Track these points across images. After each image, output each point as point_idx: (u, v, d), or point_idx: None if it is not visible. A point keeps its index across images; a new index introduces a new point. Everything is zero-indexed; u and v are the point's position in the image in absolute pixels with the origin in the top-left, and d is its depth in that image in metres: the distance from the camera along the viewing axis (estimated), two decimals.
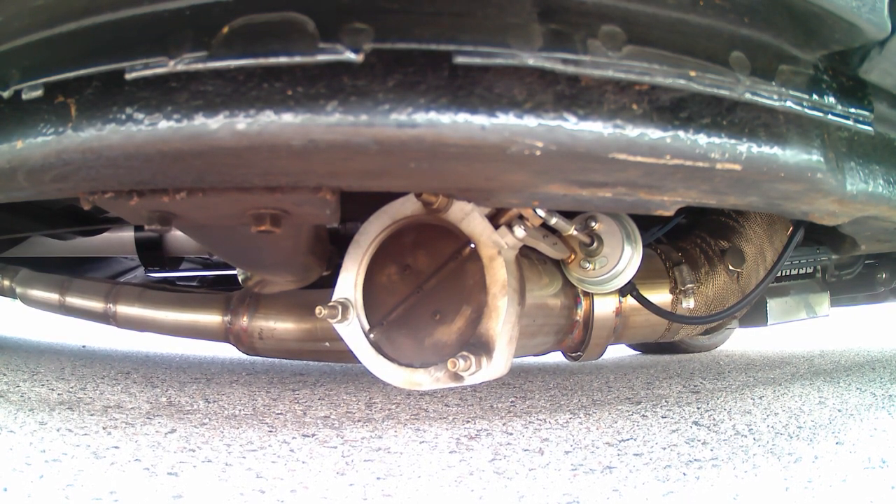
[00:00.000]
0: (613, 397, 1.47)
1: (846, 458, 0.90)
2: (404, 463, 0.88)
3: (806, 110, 0.62)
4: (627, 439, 1.03)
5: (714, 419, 1.18)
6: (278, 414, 1.23)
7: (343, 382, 1.69)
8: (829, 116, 0.65)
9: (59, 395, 1.33)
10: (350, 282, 0.92)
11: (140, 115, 0.51)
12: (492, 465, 0.88)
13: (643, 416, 1.23)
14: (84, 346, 2.65)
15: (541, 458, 0.91)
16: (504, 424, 1.14)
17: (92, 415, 1.13)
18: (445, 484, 0.79)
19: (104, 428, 1.03)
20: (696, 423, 1.15)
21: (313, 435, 1.04)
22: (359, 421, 1.17)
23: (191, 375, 1.78)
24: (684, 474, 0.83)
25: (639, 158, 0.55)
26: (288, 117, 0.49)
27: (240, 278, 1.30)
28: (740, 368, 2.04)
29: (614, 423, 1.16)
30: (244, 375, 1.83)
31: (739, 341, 3.06)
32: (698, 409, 1.29)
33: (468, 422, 1.17)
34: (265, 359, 2.25)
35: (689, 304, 1.22)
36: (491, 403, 1.37)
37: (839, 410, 1.26)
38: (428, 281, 0.88)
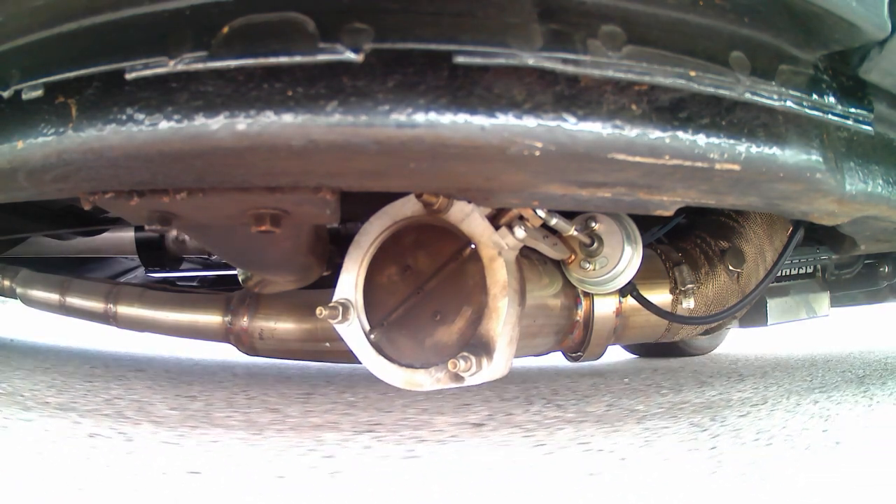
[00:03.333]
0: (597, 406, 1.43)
1: (839, 463, 0.89)
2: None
3: (806, 110, 0.62)
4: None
5: (704, 423, 1.17)
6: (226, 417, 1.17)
7: (324, 386, 1.66)
8: (829, 116, 0.65)
9: (48, 395, 1.31)
10: (350, 282, 0.92)
11: (140, 116, 0.51)
12: None
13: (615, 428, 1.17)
14: (79, 348, 2.65)
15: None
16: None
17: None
18: None
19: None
20: (689, 424, 1.14)
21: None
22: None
23: (174, 379, 1.74)
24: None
25: (638, 159, 0.55)
26: (288, 118, 0.49)
27: (240, 278, 1.30)
28: (736, 371, 2.03)
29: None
30: (229, 377, 1.81)
31: (738, 343, 3.06)
32: (691, 413, 1.28)
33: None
34: (256, 360, 2.22)
35: (689, 304, 1.22)
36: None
37: (835, 414, 1.24)
38: (428, 281, 0.88)
